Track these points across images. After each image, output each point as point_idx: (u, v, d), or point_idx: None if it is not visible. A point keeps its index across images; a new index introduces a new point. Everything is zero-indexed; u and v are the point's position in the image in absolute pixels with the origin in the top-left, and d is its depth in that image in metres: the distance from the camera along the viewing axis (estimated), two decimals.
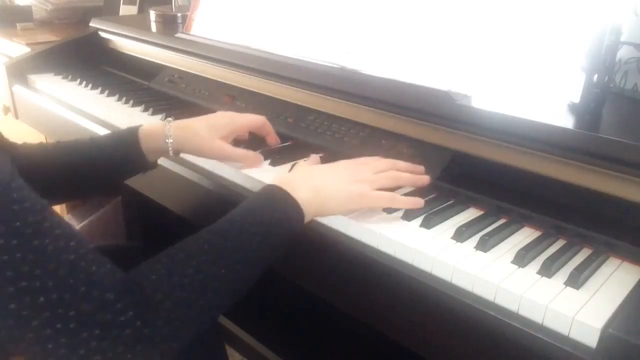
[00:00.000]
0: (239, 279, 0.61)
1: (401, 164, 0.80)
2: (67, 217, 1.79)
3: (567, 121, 0.77)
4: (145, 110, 1.14)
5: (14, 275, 0.47)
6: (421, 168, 0.80)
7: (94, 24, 1.51)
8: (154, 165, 0.89)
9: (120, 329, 0.51)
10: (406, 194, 0.76)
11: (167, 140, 0.84)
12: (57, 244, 0.50)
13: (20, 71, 1.40)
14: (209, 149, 0.85)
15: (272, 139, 0.93)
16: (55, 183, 0.85)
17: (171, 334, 0.54)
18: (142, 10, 1.84)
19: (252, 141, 0.95)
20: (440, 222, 0.72)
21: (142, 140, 0.84)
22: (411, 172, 0.79)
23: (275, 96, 1.05)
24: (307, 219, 0.70)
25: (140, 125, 0.86)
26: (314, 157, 0.85)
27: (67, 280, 0.49)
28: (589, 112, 0.79)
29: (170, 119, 0.85)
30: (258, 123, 0.91)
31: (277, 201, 0.67)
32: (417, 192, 0.78)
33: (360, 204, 0.72)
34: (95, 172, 0.85)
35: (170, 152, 0.85)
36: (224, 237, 0.61)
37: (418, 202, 0.74)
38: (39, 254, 0.48)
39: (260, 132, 0.93)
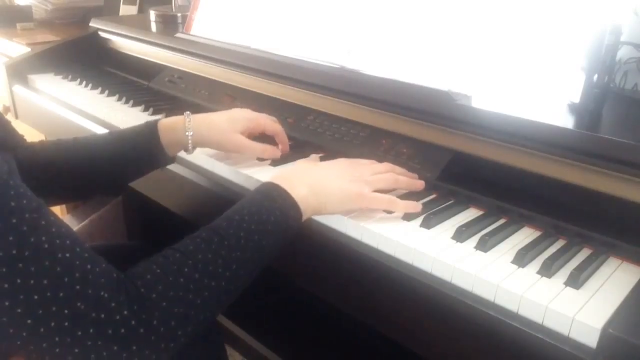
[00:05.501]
0: (236, 277, 0.61)
1: (398, 169, 0.80)
2: (67, 217, 1.79)
3: (567, 121, 0.77)
4: (145, 110, 1.14)
5: (9, 271, 0.47)
6: (415, 175, 0.80)
7: (94, 24, 1.51)
8: (173, 159, 0.89)
9: (115, 328, 0.51)
10: (401, 197, 0.76)
11: (187, 134, 0.84)
12: (53, 242, 0.50)
13: (20, 71, 1.40)
14: (228, 142, 0.85)
15: (284, 148, 0.91)
16: (69, 180, 0.84)
17: (167, 333, 0.54)
18: (142, 10, 1.84)
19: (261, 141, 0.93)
20: (440, 222, 0.72)
21: (162, 133, 0.84)
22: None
23: (275, 96, 1.05)
24: (304, 217, 0.70)
25: (159, 119, 0.86)
26: (314, 157, 0.85)
27: (62, 278, 0.49)
28: (589, 112, 0.79)
29: (188, 112, 0.85)
30: (275, 129, 0.91)
31: (275, 199, 0.67)
32: (416, 192, 0.79)
33: (359, 204, 0.72)
34: (114, 167, 0.85)
35: (190, 146, 0.85)
36: (221, 235, 0.61)
37: (416, 206, 0.73)
38: (35, 250, 0.48)
39: (274, 137, 0.92)
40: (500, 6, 0.85)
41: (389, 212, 0.74)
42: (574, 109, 0.80)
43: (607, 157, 0.66)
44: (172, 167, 0.91)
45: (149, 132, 0.84)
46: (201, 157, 0.91)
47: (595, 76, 0.77)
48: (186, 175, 0.90)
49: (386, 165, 0.80)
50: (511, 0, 0.85)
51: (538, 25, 0.83)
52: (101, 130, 1.08)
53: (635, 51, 0.99)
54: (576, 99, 0.80)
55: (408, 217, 0.72)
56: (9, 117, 1.44)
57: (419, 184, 0.79)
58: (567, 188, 0.70)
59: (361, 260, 0.68)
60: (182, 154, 0.90)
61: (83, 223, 1.71)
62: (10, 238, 0.47)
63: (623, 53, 1.00)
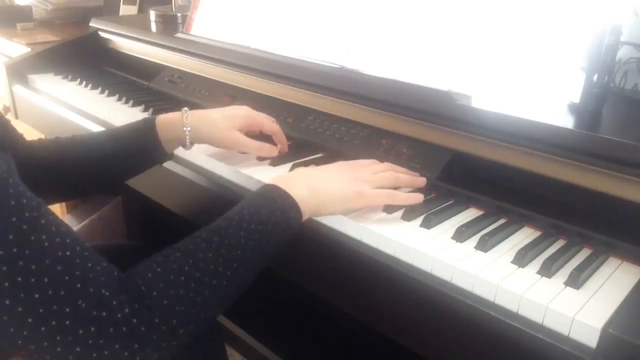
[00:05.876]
0: (237, 276, 0.61)
1: (398, 168, 0.80)
2: (67, 217, 1.79)
3: (567, 121, 0.77)
4: (146, 110, 1.14)
5: (10, 270, 0.47)
6: (416, 173, 0.80)
7: (94, 24, 1.51)
8: (171, 156, 0.89)
9: (117, 327, 0.51)
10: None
11: (185, 129, 0.84)
12: (53, 240, 0.50)
13: (20, 71, 1.40)
14: (225, 139, 0.86)
15: (282, 148, 0.92)
16: (68, 177, 0.84)
17: (168, 331, 0.54)
18: (142, 10, 1.84)
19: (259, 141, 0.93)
20: (440, 222, 0.72)
21: (159, 129, 0.84)
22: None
23: (275, 96, 1.05)
24: (304, 217, 0.70)
25: (157, 116, 0.86)
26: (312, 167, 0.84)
27: (63, 276, 0.49)
28: (589, 112, 0.79)
29: (186, 108, 0.85)
30: (273, 128, 0.91)
31: (275, 200, 0.67)
32: (417, 190, 0.79)
33: (359, 202, 0.72)
34: (113, 164, 0.85)
35: (188, 142, 0.85)
36: (221, 235, 0.61)
37: (417, 197, 0.74)
38: (35, 249, 0.48)
39: (272, 137, 0.92)
40: (500, 6, 0.85)
41: (389, 212, 0.74)
42: (574, 109, 0.80)
43: (607, 157, 0.66)
44: (172, 167, 0.91)
45: (147, 128, 0.85)
46: (201, 157, 0.91)
47: (595, 76, 0.77)
48: (186, 175, 0.90)
49: (386, 165, 0.80)
50: (511, 1, 0.85)
51: (538, 26, 0.83)
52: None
53: (635, 51, 0.99)
54: (576, 99, 0.80)
55: (408, 217, 0.72)
56: (9, 117, 1.44)
57: (420, 181, 0.79)
58: (567, 188, 0.70)
59: (361, 260, 0.68)
60: (182, 152, 0.90)
61: (83, 223, 1.71)
62: (11, 237, 0.47)
63: (623, 53, 1.00)
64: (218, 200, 0.86)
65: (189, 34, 1.26)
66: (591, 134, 0.69)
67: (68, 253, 0.50)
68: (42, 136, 1.45)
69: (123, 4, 1.87)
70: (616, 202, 0.67)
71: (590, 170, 0.68)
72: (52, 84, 1.35)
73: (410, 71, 0.90)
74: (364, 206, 0.73)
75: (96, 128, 1.11)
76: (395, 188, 0.76)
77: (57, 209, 1.79)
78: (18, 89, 1.38)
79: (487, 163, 0.77)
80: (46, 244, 0.49)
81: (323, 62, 1.00)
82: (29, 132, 1.44)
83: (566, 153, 0.69)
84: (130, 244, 1.46)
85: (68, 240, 0.51)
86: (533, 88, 0.84)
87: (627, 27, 0.94)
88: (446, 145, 0.81)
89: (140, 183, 0.94)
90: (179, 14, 1.50)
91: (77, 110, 1.21)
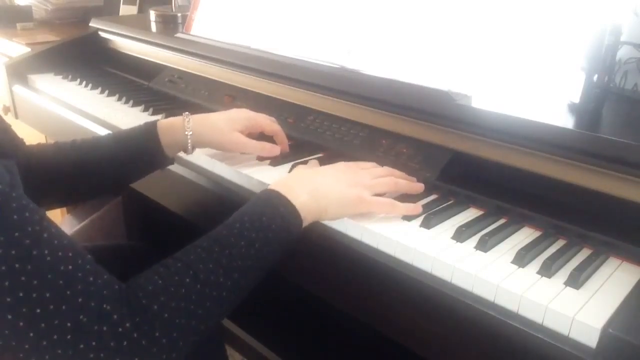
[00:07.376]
0: (237, 286, 0.60)
1: (397, 172, 0.80)
2: (67, 217, 1.79)
3: (567, 121, 0.77)
4: (145, 110, 1.14)
5: (12, 285, 0.47)
6: (414, 178, 0.80)
7: (94, 24, 1.51)
8: (172, 160, 0.89)
9: (118, 340, 0.51)
10: (401, 198, 0.76)
11: (186, 133, 0.84)
12: (55, 255, 0.49)
13: (20, 71, 1.40)
14: (227, 141, 0.86)
15: (283, 148, 0.91)
16: (68, 182, 0.84)
17: (169, 344, 0.54)
18: (142, 10, 1.84)
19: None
20: (440, 222, 0.72)
21: (161, 134, 0.84)
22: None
23: (275, 96, 1.05)
24: (305, 223, 0.69)
25: (158, 120, 0.86)
26: (313, 162, 0.84)
27: (65, 291, 0.49)
28: (589, 112, 0.79)
29: (187, 113, 0.86)
30: (274, 129, 0.91)
31: (277, 207, 0.67)
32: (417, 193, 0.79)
33: (359, 208, 0.72)
34: (114, 168, 0.85)
35: (189, 146, 0.85)
36: (221, 244, 0.61)
37: (417, 208, 0.73)
38: (37, 264, 0.48)
39: (273, 137, 0.92)
40: (500, 6, 0.85)
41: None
42: (574, 109, 0.80)
43: (607, 157, 0.66)
44: (172, 167, 0.91)
45: (148, 133, 0.84)
46: (201, 157, 0.91)
47: (595, 76, 0.77)
48: (186, 175, 0.90)
49: (385, 169, 0.80)
50: (511, 1, 0.85)
51: (538, 25, 0.83)
52: (101, 131, 1.08)
53: (635, 51, 0.99)
54: (576, 99, 0.80)
55: (408, 217, 0.72)
56: (9, 117, 1.44)
57: (419, 187, 0.79)
58: (567, 188, 0.70)
59: (361, 260, 0.68)
60: (182, 153, 0.90)
61: (83, 223, 1.71)
62: (13, 252, 0.47)
63: (623, 53, 1.00)
64: (218, 200, 0.86)
65: (189, 34, 1.26)
66: (591, 134, 0.69)
67: (70, 267, 0.50)
68: (43, 136, 1.46)
69: (123, 4, 1.88)
70: (616, 202, 0.67)
71: (590, 170, 0.68)
72: (52, 84, 1.35)
73: (410, 71, 0.90)
74: (363, 212, 0.73)
75: (96, 128, 1.11)
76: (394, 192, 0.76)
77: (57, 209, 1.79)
78: (18, 89, 1.38)
79: (487, 163, 0.77)
80: (48, 259, 0.49)
81: (323, 62, 1.00)
82: (30, 133, 1.45)
83: (566, 153, 0.69)
84: (130, 244, 1.46)
85: (70, 254, 0.51)
86: (533, 88, 0.84)
87: (627, 27, 0.94)
88: (446, 145, 0.81)
89: (140, 183, 0.94)
90: (179, 14, 1.50)
91: (77, 110, 1.21)
